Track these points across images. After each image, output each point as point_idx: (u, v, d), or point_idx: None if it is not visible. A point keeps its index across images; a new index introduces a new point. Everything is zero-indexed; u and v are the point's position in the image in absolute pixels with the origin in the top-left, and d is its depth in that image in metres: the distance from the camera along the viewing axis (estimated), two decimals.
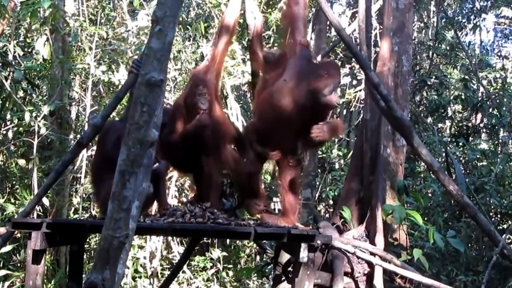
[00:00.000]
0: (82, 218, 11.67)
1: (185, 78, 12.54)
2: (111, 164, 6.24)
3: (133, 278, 12.55)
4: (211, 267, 13.26)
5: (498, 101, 14.40)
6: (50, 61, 12.74)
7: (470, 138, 14.75)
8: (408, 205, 8.85)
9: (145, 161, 5.35)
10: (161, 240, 12.33)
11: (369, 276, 7.80)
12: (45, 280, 11.55)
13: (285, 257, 8.43)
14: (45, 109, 10.78)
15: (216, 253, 12.68)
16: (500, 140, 14.95)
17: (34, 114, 10.83)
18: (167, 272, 12.93)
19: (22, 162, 12.38)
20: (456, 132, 14.80)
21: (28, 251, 6.36)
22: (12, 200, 12.43)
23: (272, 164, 10.41)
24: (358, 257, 7.74)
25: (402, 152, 8.53)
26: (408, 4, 8.71)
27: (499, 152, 14.13)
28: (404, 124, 7.47)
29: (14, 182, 12.85)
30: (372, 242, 7.84)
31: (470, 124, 15.20)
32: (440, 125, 15.75)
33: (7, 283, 10.76)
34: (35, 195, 7.33)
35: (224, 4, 12.35)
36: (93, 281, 3.78)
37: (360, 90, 12.02)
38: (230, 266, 13.80)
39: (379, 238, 7.76)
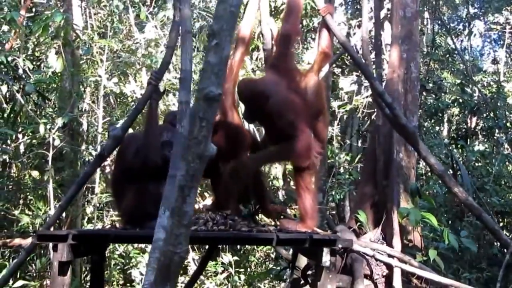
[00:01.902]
0: (95, 227, 11.58)
1: None
2: (131, 175, 6.22)
3: None
4: (222, 272, 13.13)
5: (493, 104, 14.37)
6: (59, 74, 12.65)
7: (468, 141, 14.72)
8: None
9: (175, 172, 5.26)
10: None
11: (388, 278, 7.76)
12: None
13: (302, 261, 8.35)
14: (59, 121, 10.62)
15: (228, 257, 12.54)
16: (497, 142, 14.92)
17: (48, 126, 10.65)
18: (180, 278, 12.82)
19: (35, 173, 12.23)
20: (454, 135, 14.78)
21: (54, 262, 6.23)
22: (27, 211, 12.31)
23: (282, 169, 10.36)
24: (376, 260, 7.68)
25: (414, 156, 8.49)
26: (415, 13, 8.73)
27: (494, 154, 14.09)
28: (409, 131, 7.43)
29: (28, 194, 12.69)
30: (389, 245, 7.81)
31: (467, 127, 15.16)
32: (436, 128, 15.77)
33: None
34: (58, 207, 7.20)
35: None
36: None
37: (367, 97, 11.96)
38: (241, 270, 13.67)
39: (397, 241, 7.72)
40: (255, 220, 7.39)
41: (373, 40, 10.50)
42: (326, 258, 6.23)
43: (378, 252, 7.58)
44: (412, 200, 8.29)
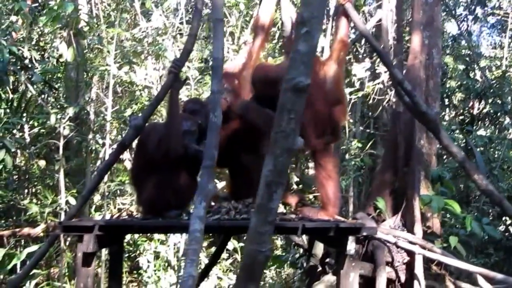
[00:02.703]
0: (103, 216, 11.49)
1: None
2: (152, 166, 6.15)
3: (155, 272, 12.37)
4: (228, 258, 13.12)
5: (499, 89, 14.31)
6: (64, 63, 12.54)
7: (474, 126, 14.66)
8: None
9: (208, 162, 5.19)
10: (183, 235, 12.13)
11: (409, 265, 7.72)
12: (66, 279, 11.41)
13: (318, 248, 8.30)
14: (70, 111, 10.53)
15: (233, 243, 12.48)
16: (502, 127, 14.90)
17: (58, 116, 10.56)
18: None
19: (42, 163, 12.12)
20: (460, 120, 14.72)
21: (79, 254, 6.18)
22: (34, 201, 12.22)
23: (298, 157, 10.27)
24: (398, 247, 7.63)
25: (435, 142, 8.42)
26: None
27: (500, 139, 14.04)
28: (429, 118, 7.34)
29: (36, 183, 12.60)
30: (409, 232, 7.76)
31: (472, 112, 15.10)
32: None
33: (33, 281, 10.51)
34: (80, 197, 7.11)
35: (243, 3, 12.20)
36: None
37: (379, 84, 11.88)
38: None
39: (418, 227, 7.66)
40: None
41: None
42: (351, 246, 6.18)
43: (400, 239, 7.52)
44: (433, 187, 8.22)
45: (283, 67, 6.47)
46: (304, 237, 9.21)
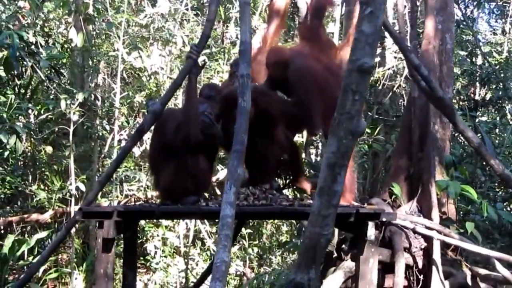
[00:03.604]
0: (111, 202, 11.44)
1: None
2: (170, 151, 6.08)
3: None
4: (235, 244, 13.08)
5: (502, 74, 14.27)
6: (70, 49, 12.45)
7: (477, 112, 14.62)
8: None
9: (238, 147, 5.11)
10: (193, 221, 12.10)
11: (426, 251, 7.68)
12: (75, 264, 11.35)
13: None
14: (80, 97, 10.43)
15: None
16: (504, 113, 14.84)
17: (68, 102, 10.47)
18: (195, 251, 12.74)
19: (49, 149, 12.05)
20: (464, 106, 14.67)
21: (98, 240, 6.11)
22: (42, 187, 12.17)
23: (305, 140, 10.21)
24: (415, 232, 7.60)
25: (448, 128, 8.40)
26: None
27: (502, 125, 14.01)
28: (446, 103, 7.29)
29: (43, 169, 12.52)
30: (426, 217, 7.72)
31: (474, 98, 15.05)
32: None
33: (42, 268, 10.45)
34: (97, 183, 7.04)
35: None
36: (299, 281, 3.50)
37: (389, 69, 11.80)
38: (255, 242, 13.64)
39: (435, 213, 7.64)
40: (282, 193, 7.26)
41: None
42: (371, 232, 6.12)
43: (418, 225, 7.49)
44: (447, 172, 8.17)
45: (296, 50, 6.45)
46: None
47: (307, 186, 7.13)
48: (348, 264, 7.79)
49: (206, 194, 6.55)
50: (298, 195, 7.42)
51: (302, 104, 6.09)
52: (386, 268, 7.57)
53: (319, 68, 6.27)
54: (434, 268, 7.37)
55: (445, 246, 7.68)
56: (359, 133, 3.41)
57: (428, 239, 7.59)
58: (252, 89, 6.24)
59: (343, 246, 8.15)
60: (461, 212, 9.40)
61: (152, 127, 6.44)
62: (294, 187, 7.56)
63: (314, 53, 6.40)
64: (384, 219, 6.21)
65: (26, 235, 11.88)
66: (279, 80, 6.29)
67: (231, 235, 4.61)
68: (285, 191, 7.43)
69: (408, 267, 7.65)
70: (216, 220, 11.74)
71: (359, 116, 3.38)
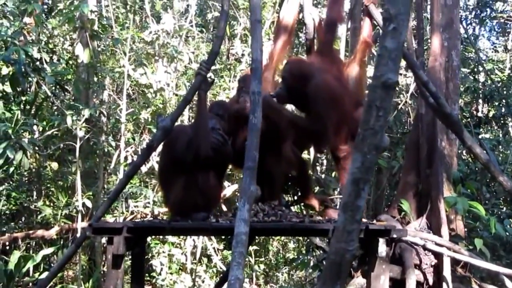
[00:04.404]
0: (117, 219, 11.41)
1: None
2: (180, 167, 6.05)
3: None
4: None
5: (505, 92, 14.29)
6: (75, 65, 12.47)
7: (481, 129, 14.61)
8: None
9: (250, 164, 5.09)
10: (200, 237, 12.06)
11: (436, 267, 7.64)
12: (81, 280, 11.30)
13: None
14: (86, 113, 10.42)
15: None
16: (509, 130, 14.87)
17: (74, 118, 10.46)
18: (201, 268, 12.67)
19: (54, 165, 12.02)
20: (467, 123, 14.67)
21: (108, 256, 6.11)
22: (47, 203, 12.13)
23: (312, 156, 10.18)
24: (425, 249, 7.56)
25: (455, 144, 8.42)
26: (455, 1, 8.65)
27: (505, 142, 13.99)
28: (454, 120, 7.28)
29: (48, 185, 12.49)
30: (435, 234, 7.69)
31: (477, 115, 15.05)
32: None
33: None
34: (107, 199, 6.97)
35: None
36: None
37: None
38: (261, 259, 13.59)
39: (445, 229, 7.61)
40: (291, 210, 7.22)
41: None
42: (382, 249, 6.09)
43: (428, 241, 7.45)
44: (455, 189, 8.15)
45: (315, 65, 6.43)
46: (325, 238, 9.12)
47: (315, 202, 7.10)
48: (359, 281, 7.75)
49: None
50: (305, 212, 7.37)
51: (321, 119, 6.09)
52: (397, 285, 7.50)
53: (336, 84, 6.28)
54: (444, 284, 7.36)
55: (454, 262, 7.63)
56: (382, 148, 3.39)
57: (438, 256, 7.55)
58: (265, 99, 6.25)
59: (353, 262, 8.09)
60: (466, 229, 9.36)
61: (162, 143, 6.41)
62: (302, 203, 7.52)
63: (330, 68, 6.40)
64: (394, 236, 6.18)
65: (31, 251, 11.85)
66: (296, 92, 6.27)
67: (245, 252, 4.59)
68: (293, 208, 7.42)
69: (418, 283, 7.60)
70: (223, 237, 11.86)
71: (383, 131, 3.36)
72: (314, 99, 6.11)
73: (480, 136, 13.37)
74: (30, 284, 10.85)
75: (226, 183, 11.81)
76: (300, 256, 10.91)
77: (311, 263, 9.86)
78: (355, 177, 3.46)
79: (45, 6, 13.57)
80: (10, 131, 9.81)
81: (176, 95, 12.22)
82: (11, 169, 10.92)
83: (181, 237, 11.92)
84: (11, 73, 10.18)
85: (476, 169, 10.00)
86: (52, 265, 11.71)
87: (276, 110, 6.35)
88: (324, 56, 6.66)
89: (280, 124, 6.43)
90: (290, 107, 7.44)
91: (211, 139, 6.04)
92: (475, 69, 15.23)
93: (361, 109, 6.59)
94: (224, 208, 11.20)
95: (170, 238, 11.96)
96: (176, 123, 6.59)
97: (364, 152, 3.38)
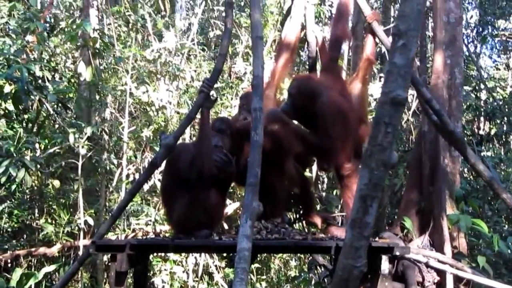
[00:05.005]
0: (119, 236, 11.39)
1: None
2: (183, 185, 6.06)
3: None
4: None
5: (507, 109, 14.31)
6: (77, 83, 12.51)
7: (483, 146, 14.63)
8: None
9: (252, 180, 5.10)
10: (202, 255, 12.03)
11: (439, 285, 7.63)
12: None
13: None
14: (88, 131, 10.45)
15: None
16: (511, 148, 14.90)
17: (76, 136, 10.48)
18: (203, 286, 12.62)
19: (56, 183, 12.00)
20: (469, 141, 14.69)
21: (112, 273, 6.08)
22: (49, 221, 12.13)
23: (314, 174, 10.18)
24: (428, 266, 7.55)
25: (458, 161, 8.42)
26: (458, 18, 8.65)
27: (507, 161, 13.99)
28: (457, 137, 7.27)
29: (50, 203, 12.49)
30: (438, 251, 7.68)
31: (478, 132, 15.07)
32: None
33: None
34: (110, 217, 6.98)
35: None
36: None
37: None
38: (263, 277, 13.55)
39: (447, 247, 7.60)
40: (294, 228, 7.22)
41: None
42: (385, 266, 6.08)
43: (431, 259, 7.45)
44: (457, 206, 8.15)
45: (323, 82, 6.43)
46: (327, 256, 9.10)
47: (317, 220, 7.10)
48: None
49: None
50: (307, 229, 7.37)
51: (330, 137, 6.09)
52: None
53: (343, 101, 6.28)
54: None
55: (457, 280, 7.62)
56: (391, 165, 3.39)
57: (441, 273, 7.55)
58: (274, 112, 6.26)
59: None
60: (468, 246, 9.35)
61: (164, 161, 6.41)
62: (305, 221, 7.52)
63: (335, 85, 6.42)
64: (397, 253, 6.16)
65: (33, 269, 11.82)
66: (303, 109, 6.28)
67: (248, 269, 4.59)
68: (295, 225, 7.42)
69: None
70: (225, 254, 11.84)
71: (391, 148, 3.36)
72: (323, 117, 6.11)
73: (482, 154, 13.37)
74: None
75: (227, 201, 11.81)
76: (302, 274, 10.87)
77: (313, 281, 9.81)
78: (362, 193, 3.47)
79: (48, 25, 13.60)
80: (12, 149, 9.81)
81: (178, 113, 12.24)
82: (13, 186, 10.91)
83: (183, 254, 11.87)
84: (13, 91, 10.17)
85: (478, 187, 10.01)
86: (54, 282, 11.69)
87: (285, 124, 6.36)
88: (329, 73, 6.67)
89: (284, 141, 6.44)
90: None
91: (215, 157, 6.05)
92: (477, 87, 15.23)
93: (363, 126, 6.64)
94: (226, 226, 11.20)
95: (172, 256, 11.92)
96: (179, 141, 6.61)
97: (371, 168, 3.39)
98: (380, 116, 3.34)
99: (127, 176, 11.87)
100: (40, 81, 10.86)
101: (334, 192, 10.64)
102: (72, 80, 13.02)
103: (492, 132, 14.88)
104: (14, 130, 11.00)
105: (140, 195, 12.08)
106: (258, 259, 13.33)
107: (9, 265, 11.64)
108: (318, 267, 9.50)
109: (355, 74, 7.07)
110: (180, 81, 12.45)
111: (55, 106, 12.48)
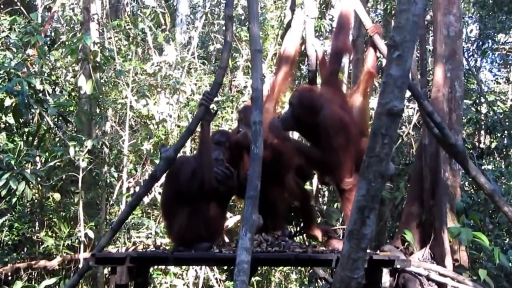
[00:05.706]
0: (119, 249, 11.38)
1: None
2: (183, 198, 6.06)
3: None
4: None
5: (507, 123, 14.31)
6: (77, 96, 12.53)
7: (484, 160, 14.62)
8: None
9: (252, 193, 5.10)
10: (203, 268, 11.99)
11: None
12: None
13: None
14: (89, 144, 10.46)
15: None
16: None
17: (77, 149, 10.48)
18: None
19: (57, 196, 12.00)
20: (470, 154, 14.70)
21: (111, 286, 6.08)
22: (49, 233, 12.11)
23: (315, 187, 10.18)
24: (429, 279, 7.54)
25: (459, 175, 8.42)
26: (458, 32, 8.65)
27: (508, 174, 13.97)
28: (458, 150, 7.28)
29: (51, 216, 12.48)
30: (439, 264, 7.67)
31: (479, 146, 15.06)
32: None
33: None
34: (110, 229, 6.95)
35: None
36: None
37: None
38: None
39: (448, 260, 7.60)
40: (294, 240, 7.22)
41: None
42: (385, 279, 6.10)
43: (432, 272, 7.44)
44: (458, 219, 8.14)
45: (325, 95, 6.42)
46: (328, 269, 9.08)
47: (318, 233, 7.09)
48: None
49: None
50: (308, 242, 7.36)
51: (331, 151, 6.08)
52: None
53: (345, 115, 6.28)
54: None
55: None
56: (388, 176, 3.39)
57: (442, 286, 7.55)
58: (274, 123, 6.25)
59: None
60: (469, 259, 9.34)
61: (165, 174, 6.41)
62: (305, 234, 7.51)
63: (336, 98, 6.42)
64: (398, 266, 6.15)
65: (33, 282, 11.79)
66: (303, 120, 6.27)
67: (247, 281, 4.59)
68: (296, 238, 7.41)
69: None
70: (226, 267, 11.81)
71: (389, 159, 3.36)
72: (325, 131, 6.09)
73: (482, 168, 13.36)
74: None
75: (228, 214, 11.79)
76: (303, 287, 10.86)
77: None
78: (360, 205, 3.48)
79: (48, 38, 13.67)
80: (13, 162, 9.83)
81: (178, 126, 12.25)
82: (14, 199, 10.94)
83: (184, 267, 11.85)
84: (14, 104, 10.20)
85: (479, 200, 10.00)
86: None
87: (285, 137, 6.37)
88: (329, 86, 6.67)
89: (283, 154, 6.44)
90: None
91: (216, 170, 6.05)
92: (477, 101, 15.23)
93: (364, 140, 6.62)
94: (227, 239, 11.19)
95: (173, 269, 11.90)
96: (179, 154, 6.61)
97: (369, 180, 3.40)
98: (377, 127, 3.35)
99: (128, 189, 11.86)
100: (40, 94, 10.87)
101: (335, 205, 10.64)
102: (73, 94, 13.04)
103: (493, 145, 14.84)
104: (15, 143, 11.01)
105: (140, 208, 12.07)
106: (259, 272, 13.31)
107: (10, 278, 11.61)
108: (318, 280, 9.50)
109: (356, 87, 7.06)
110: (180, 95, 12.46)
111: (56, 119, 12.47)
